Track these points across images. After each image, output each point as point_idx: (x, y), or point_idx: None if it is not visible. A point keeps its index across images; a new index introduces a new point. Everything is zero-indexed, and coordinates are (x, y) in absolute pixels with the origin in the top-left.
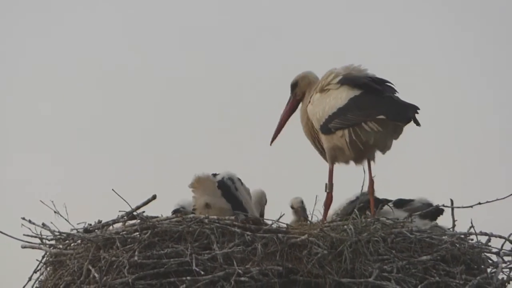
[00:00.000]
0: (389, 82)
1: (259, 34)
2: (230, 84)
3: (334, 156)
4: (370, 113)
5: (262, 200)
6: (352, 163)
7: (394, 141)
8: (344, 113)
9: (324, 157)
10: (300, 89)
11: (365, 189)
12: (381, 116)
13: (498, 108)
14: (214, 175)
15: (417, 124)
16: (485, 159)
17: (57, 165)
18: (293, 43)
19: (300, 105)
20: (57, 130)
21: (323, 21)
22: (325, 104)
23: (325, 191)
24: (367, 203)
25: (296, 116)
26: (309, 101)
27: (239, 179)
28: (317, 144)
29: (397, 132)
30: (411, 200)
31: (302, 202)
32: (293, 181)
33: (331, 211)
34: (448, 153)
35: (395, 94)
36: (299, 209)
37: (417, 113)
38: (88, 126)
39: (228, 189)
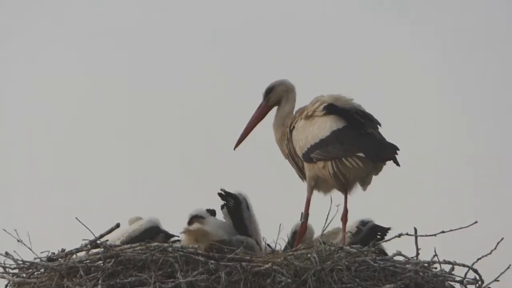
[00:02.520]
0: (372, 117)
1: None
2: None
3: (314, 185)
4: (350, 149)
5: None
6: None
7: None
8: (326, 145)
9: (301, 176)
10: (276, 95)
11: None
12: (360, 154)
13: (470, 133)
14: (208, 210)
15: (397, 164)
16: (452, 189)
17: (19, 193)
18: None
19: (275, 111)
20: (19, 158)
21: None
22: (308, 132)
23: (300, 220)
24: (372, 231)
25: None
26: (294, 124)
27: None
28: (295, 163)
29: (377, 169)
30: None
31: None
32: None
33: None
34: (413, 182)
35: (377, 130)
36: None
37: (396, 153)
38: (50, 154)
39: (239, 204)
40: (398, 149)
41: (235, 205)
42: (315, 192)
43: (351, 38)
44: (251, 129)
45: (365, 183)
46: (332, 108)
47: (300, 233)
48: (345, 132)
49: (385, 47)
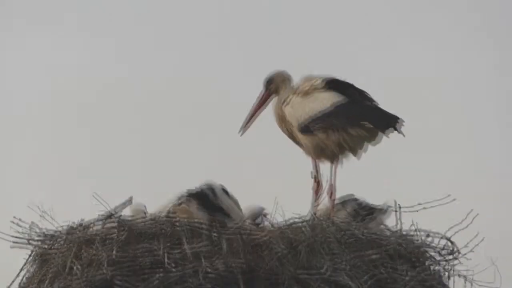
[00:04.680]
0: (367, 93)
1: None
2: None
3: (317, 151)
4: (356, 119)
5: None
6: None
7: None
8: (328, 117)
9: (301, 147)
10: (275, 85)
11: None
12: (365, 123)
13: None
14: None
15: (400, 133)
16: (431, 167)
17: (43, 172)
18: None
19: (275, 100)
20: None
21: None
22: (306, 107)
23: (312, 178)
24: (366, 211)
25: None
26: (286, 102)
27: (222, 188)
28: (293, 137)
29: (375, 139)
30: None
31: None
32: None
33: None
34: (396, 160)
35: (376, 103)
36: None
37: (398, 123)
38: (74, 137)
39: (205, 197)
40: (400, 119)
41: (203, 201)
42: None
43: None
44: (254, 115)
45: (361, 152)
46: (332, 83)
47: (317, 190)
48: (348, 104)
49: None
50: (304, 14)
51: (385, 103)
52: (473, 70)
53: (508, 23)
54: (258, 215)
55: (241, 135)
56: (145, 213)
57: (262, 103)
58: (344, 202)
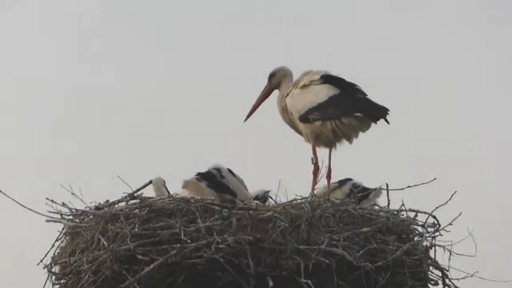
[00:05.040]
0: (359, 87)
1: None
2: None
3: (315, 138)
4: (349, 110)
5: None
6: (325, 146)
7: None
8: (323, 108)
9: (301, 134)
10: (276, 79)
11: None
12: (358, 114)
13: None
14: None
15: (387, 122)
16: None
17: (76, 154)
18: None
19: (277, 93)
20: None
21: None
22: (305, 98)
23: (312, 163)
24: (361, 192)
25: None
26: (288, 94)
27: (229, 169)
28: (294, 126)
29: (367, 127)
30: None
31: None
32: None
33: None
34: (387, 144)
35: (366, 95)
36: None
37: (387, 114)
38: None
39: (212, 178)
40: (389, 110)
41: (211, 181)
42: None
43: None
44: (257, 106)
45: (354, 138)
46: (328, 78)
47: (315, 173)
48: (342, 97)
49: None
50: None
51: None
52: (454, 59)
53: None
54: (263, 197)
55: (244, 121)
56: (165, 186)
57: (265, 95)
58: (341, 184)
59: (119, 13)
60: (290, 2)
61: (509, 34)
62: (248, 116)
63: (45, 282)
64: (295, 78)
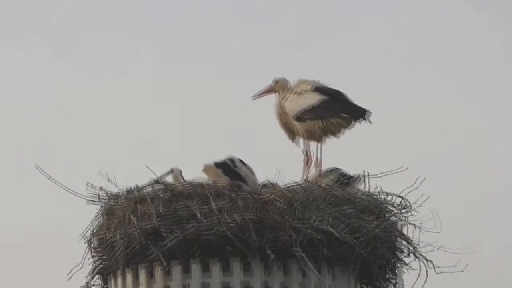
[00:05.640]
0: (343, 93)
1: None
2: None
3: (307, 134)
4: (337, 112)
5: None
6: (315, 141)
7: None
8: (315, 110)
9: (290, 137)
10: (278, 85)
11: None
12: (344, 114)
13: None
14: (222, 160)
15: (368, 121)
16: (394, 143)
17: (111, 147)
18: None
19: (276, 100)
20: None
21: None
22: (300, 102)
23: (305, 154)
24: (345, 178)
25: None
26: (285, 99)
27: (240, 160)
28: (287, 127)
29: (350, 126)
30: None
31: None
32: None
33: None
34: (366, 138)
35: (350, 100)
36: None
37: (368, 114)
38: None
39: (227, 167)
40: (367, 111)
41: (226, 169)
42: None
43: None
44: (262, 95)
45: (339, 134)
46: (318, 87)
47: (307, 164)
48: (330, 101)
49: None
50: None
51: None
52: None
53: None
54: (265, 183)
55: (252, 99)
56: (181, 175)
57: (267, 90)
58: (329, 172)
59: None
60: None
61: None
62: (254, 97)
63: (85, 253)
64: (291, 85)
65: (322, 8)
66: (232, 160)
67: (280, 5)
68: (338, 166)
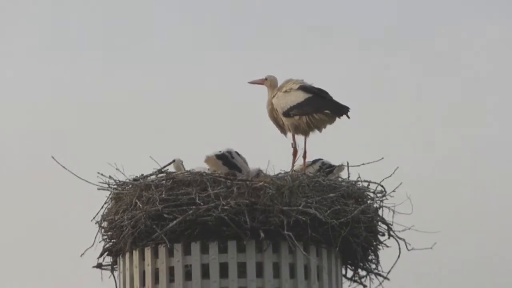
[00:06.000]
0: (326, 91)
1: None
2: None
3: (294, 128)
4: (320, 108)
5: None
6: (302, 134)
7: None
8: (301, 106)
9: (281, 131)
10: (268, 81)
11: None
12: (327, 111)
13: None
14: (220, 152)
15: (348, 117)
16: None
17: (119, 138)
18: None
19: (267, 98)
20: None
21: None
22: (287, 99)
23: (292, 147)
24: (328, 167)
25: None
26: (274, 96)
27: (236, 152)
28: (277, 122)
29: (332, 121)
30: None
31: None
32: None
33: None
34: (347, 130)
35: (332, 98)
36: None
37: (349, 111)
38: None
39: (226, 158)
40: (350, 108)
41: (225, 160)
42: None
43: None
44: (256, 82)
45: (323, 129)
46: (304, 86)
47: (294, 155)
48: (314, 98)
49: None
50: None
51: None
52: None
53: None
54: (258, 172)
55: (247, 82)
56: (182, 165)
57: (260, 81)
58: (313, 162)
59: None
60: None
61: None
62: (249, 82)
63: (96, 234)
64: (279, 83)
65: None
66: (230, 152)
67: None
68: (321, 157)
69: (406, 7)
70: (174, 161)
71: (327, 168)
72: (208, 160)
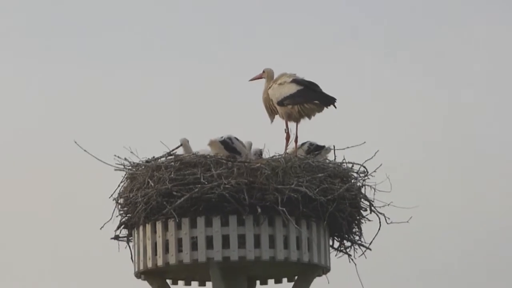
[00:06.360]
0: (316, 84)
1: None
2: None
3: (287, 116)
4: (310, 99)
5: (250, 147)
6: (294, 122)
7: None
8: (293, 97)
9: (270, 116)
10: (266, 74)
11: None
12: (316, 101)
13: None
14: (222, 137)
15: (335, 107)
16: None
17: (133, 126)
18: None
19: (264, 87)
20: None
21: None
22: (281, 90)
23: (285, 132)
24: (315, 149)
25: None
26: (270, 88)
27: (235, 137)
28: (271, 110)
29: (321, 110)
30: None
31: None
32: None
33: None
34: (332, 119)
35: (321, 90)
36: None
37: (335, 101)
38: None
39: (227, 144)
40: (336, 99)
41: (226, 145)
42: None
43: None
44: (255, 79)
45: (312, 116)
46: (296, 79)
47: (287, 140)
48: (305, 90)
49: None
50: None
51: None
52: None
53: None
54: (259, 152)
55: (248, 81)
56: (188, 144)
57: (259, 76)
58: (302, 144)
59: None
60: None
61: None
62: (250, 80)
63: (114, 210)
64: (275, 76)
65: None
66: (230, 138)
67: None
68: (310, 140)
69: (406, 8)
70: (181, 145)
71: (314, 148)
72: (211, 143)
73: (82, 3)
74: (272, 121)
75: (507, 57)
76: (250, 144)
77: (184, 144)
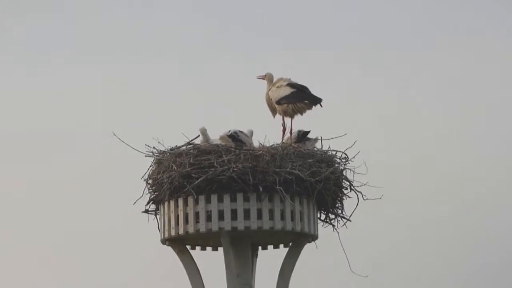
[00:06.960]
0: (306, 87)
1: None
2: None
3: (283, 113)
4: (301, 99)
5: (251, 134)
6: (289, 117)
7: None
8: (288, 98)
9: (272, 113)
10: (267, 77)
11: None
12: (306, 101)
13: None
14: (229, 131)
15: (321, 106)
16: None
17: (160, 123)
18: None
19: (266, 88)
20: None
21: None
22: (279, 92)
23: (282, 126)
24: (303, 134)
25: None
26: (270, 90)
27: (241, 131)
28: (272, 107)
29: (310, 108)
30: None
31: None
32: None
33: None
34: (319, 114)
35: (311, 92)
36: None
37: (321, 101)
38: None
39: (234, 137)
40: (322, 99)
41: (233, 138)
42: (279, 118)
43: None
44: (260, 77)
45: (304, 113)
46: (290, 83)
47: (283, 132)
48: (297, 92)
49: None
50: None
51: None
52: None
53: None
54: (250, 132)
55: (256, 77)
56: (206, 132)
57: (262, 76)
58: (294, 133)
59: None
60: None
61: None
62: (257, 77)
63: (144, 188)
64: (274, 79)
65: None
66: (236, 132)
67: None
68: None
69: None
70: (199, 136)
71: (302, 134)
72: (221, 138)
73: None
74: (274, 116)
75: None
76: (251, 132)
77: (203, 132)
